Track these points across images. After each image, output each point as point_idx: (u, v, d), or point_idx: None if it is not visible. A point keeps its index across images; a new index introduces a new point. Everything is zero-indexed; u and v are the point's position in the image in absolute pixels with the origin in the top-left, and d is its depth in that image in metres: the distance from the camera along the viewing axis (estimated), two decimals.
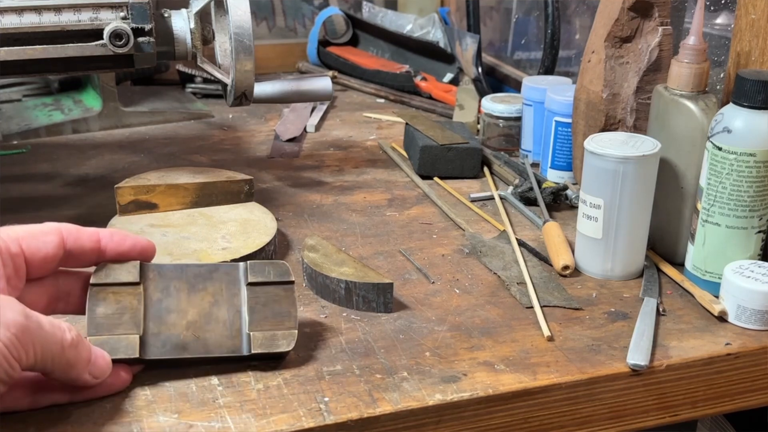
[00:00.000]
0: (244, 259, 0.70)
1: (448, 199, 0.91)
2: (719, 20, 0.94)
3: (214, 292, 0.59)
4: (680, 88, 0.71)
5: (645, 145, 0.71)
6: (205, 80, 1.29)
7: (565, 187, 0.88)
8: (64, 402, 0.53)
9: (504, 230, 0.82)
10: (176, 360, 0.56)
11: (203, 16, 0.82)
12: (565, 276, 0.73)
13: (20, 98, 1.19)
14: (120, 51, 0.75)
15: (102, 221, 0.76)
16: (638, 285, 0.72)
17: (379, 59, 1.43)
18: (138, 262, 0.58)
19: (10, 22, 0.73)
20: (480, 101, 1.11)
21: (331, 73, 1.38)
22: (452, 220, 0.85)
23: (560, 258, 0.73)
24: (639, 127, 0.83)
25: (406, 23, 1.42)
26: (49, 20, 0.74)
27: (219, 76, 0.84)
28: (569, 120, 0.90)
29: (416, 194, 0.93)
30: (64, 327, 0.50)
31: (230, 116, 1.22)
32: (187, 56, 0.82)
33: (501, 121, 1.04)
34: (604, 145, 0.71)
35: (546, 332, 0.64)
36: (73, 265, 0.57)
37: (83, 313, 0.55)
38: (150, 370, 0.57)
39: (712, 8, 0.94)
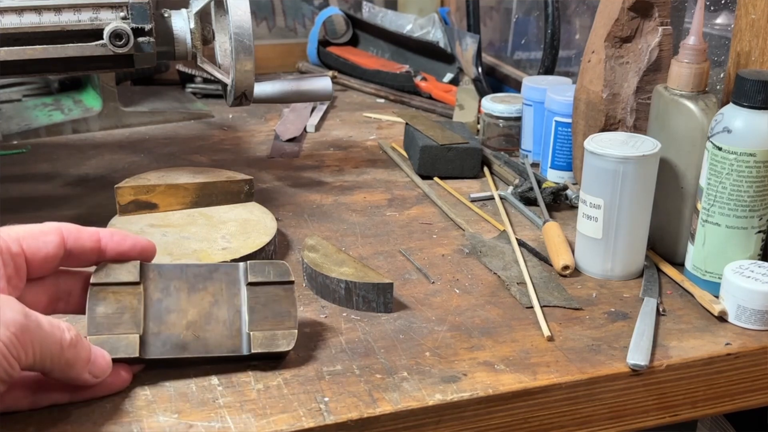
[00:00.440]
0: (244, 259, 0.70)
1: (448, 199, 0.91)
2: (719, 20, 0.94)
3: (214, 292, 0.59)
4: (680, 88, 0.71)
5: (645, 145, 0.71)
6: (205, 80, 1.29)
7: (565, 187, 0.88)
8: (64, 402, 0.53)
9: (504, 230, 0.82)
10: (176, 360, 0.56)
11: (203, 16, 0.82)
12: (565, 276, 0.73)
13: (20, 98, 1.19)
14: (120, 51, 0.75)
15: (102, 221, 0.76)
16: (638, 285, 0.72)
17: (379, 59, 1.43)
18: (138, 262, 0.58)
19: (10, 22, 0.73)
20: (480, 101, 1.11)
21: (331, 73, 1.38)
22: (452, 220, 0.85)
23: (560, 258, 0.73)
24: (639, 127, 0.83)
25: (406, 23, 1.42)
26: (49, 20, 0.74)
27: (219, 76, 0.84)
28: (569, 120, 0.90)
29: (416, 194, 0.93)
30: (63, 327, 0.50)
31: (230, 116, 1.22)
32: (187, 56, 0.82)
33: (501, 121, 1.04)
34: (604, 145, 0.71)
35: (546, 332, 0.64)
36: (73, 265, 0.57)
37: (83, 313, 0.56)
38: (150, 370, 0.57)
39: (712, 8, 0.94)
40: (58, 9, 0.74)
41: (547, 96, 0.94)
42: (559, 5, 1.09)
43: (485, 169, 0.99)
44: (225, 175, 0.83)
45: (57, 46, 0.75)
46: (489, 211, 0.88)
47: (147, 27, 0.76)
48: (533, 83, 0.99)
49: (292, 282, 0.60)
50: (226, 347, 0.57)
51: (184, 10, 0.82)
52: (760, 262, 0.67)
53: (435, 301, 0.69)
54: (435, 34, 1.37)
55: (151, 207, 0.78)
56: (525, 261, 0.75)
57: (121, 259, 0.57)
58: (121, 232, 0.58)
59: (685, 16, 0.97)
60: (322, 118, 1.21)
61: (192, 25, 0.81)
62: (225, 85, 0.85)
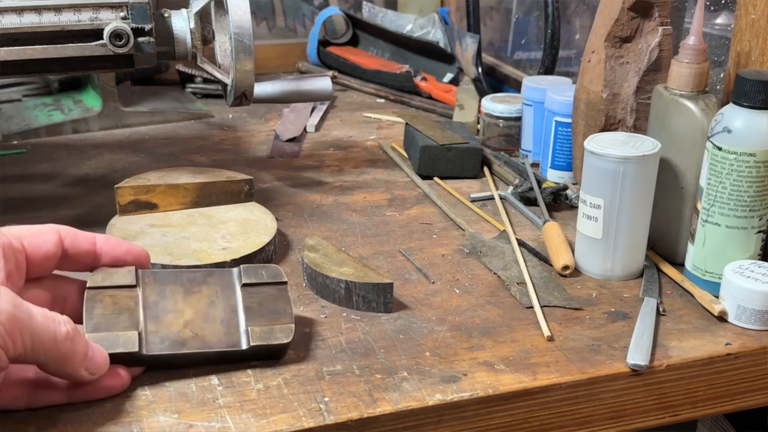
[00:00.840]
0: (244, 259, 0.70)
1: (448, 199, 0.91)
2: (719, 20, 0.94)
3: (210, 294, 0.59)
4: (680, 88, 0.71)
5: (645, 145, 0.71)
6: (205, 80, 1.29)
7: (565, 187, 0.88)
8: (62, 402, 0.53)
9: (504, 230, 0.82)
10: (176, 357, 0.56)
11: (203, 16, 0.82)
12: (565, 276, 0.73)
13: (20, 98, 1.19)
14: (120, 51, 0.75)
15: (102, 221, 0.76)
16: (638, 285, 0.72)
17: (379, 59, 1.43)
18: (133, 267, 0.58)
19: (10, 22, 0.73)
20: (480, 101, 1.11)
21: (331, 73, 1.38)
22: (452, 220, 0.85)
23: (560, 258, 0.73)
24: (639, 127, 0.83)
25: (406, 23, 1.42)
26: (49, 20, 0.74)
27: (219, 76, 0.84)
28: (569, 120, 0.90)
29: (416, 194, 0.93)
30: (59, 319, 0.50)
31: (230, 116, 1.22)
32: (187, 56, 0.82)
33: (501, 121, 1.04)
34: (604, 145, 0.71)
35: (546, 332, 0.64)
36: (70, 267, 0.57)
37: (80, 321, 0.55)
38: (150, 370, 0.57)
39: (712, 8, 0.94)
40: (58, 9, 0.74)
41: (547, 96, 0.94)
42: (559, 5, 1.09)
43: (485, 169, 0.99)
44: (225, 175, 0.83)
45: (57, 46, 0.75)
46: (489, 211, 0.88)
47: (147, 27, 0.76)
48: (533, 83, 0.99)
49: (285, 282, 0.61)
50: (225, 342, 0.57)
51: (184, 10, 0.82)
52: (760, 262, 0.67)
53: (435, 301, 0.69)
54: (435, 34, 1.37)
55: (151, 207, 0.78)
56: (525, 261, 0.75)
57: (116, 264, 0.58)
58: (116, 238, 0.59)
59: (685, 16, 0.97)
60: (322, 118, 1.21)
61: (192, 25, 0.81)
62: (225, 85, 0.85)
